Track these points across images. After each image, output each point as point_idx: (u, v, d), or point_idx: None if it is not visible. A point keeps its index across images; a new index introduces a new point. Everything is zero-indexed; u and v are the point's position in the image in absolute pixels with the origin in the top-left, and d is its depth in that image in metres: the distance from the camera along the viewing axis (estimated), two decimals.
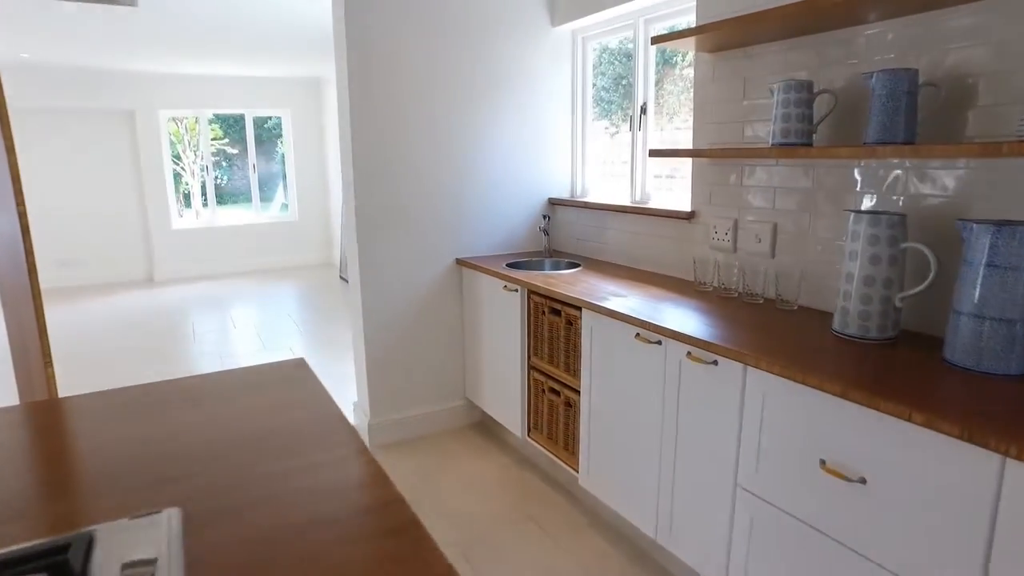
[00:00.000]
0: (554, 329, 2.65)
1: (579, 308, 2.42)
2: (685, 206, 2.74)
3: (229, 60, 6.73)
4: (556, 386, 2.68)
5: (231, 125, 9.13)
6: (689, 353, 1.91)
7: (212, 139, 12.30)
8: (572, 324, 2.52)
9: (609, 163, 3.58)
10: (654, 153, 2.44)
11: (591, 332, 2.37)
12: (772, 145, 2.01)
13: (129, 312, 6.36)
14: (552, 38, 3.37)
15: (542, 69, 3.38)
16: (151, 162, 7.67)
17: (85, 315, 6.26)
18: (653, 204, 2.98)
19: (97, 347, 5.15)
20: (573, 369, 2.55)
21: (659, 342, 2.03)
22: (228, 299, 6.85)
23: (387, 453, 3.18)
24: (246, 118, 8.19)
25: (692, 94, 2.57)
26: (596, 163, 3.54)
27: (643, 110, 3.01)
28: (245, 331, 5.54)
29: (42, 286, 7.55)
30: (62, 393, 4.08)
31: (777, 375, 1.62)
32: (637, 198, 3.10)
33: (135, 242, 7.92)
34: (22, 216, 2.45)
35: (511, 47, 3.27)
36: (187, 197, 10.35)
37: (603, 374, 2.34)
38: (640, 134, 3.04)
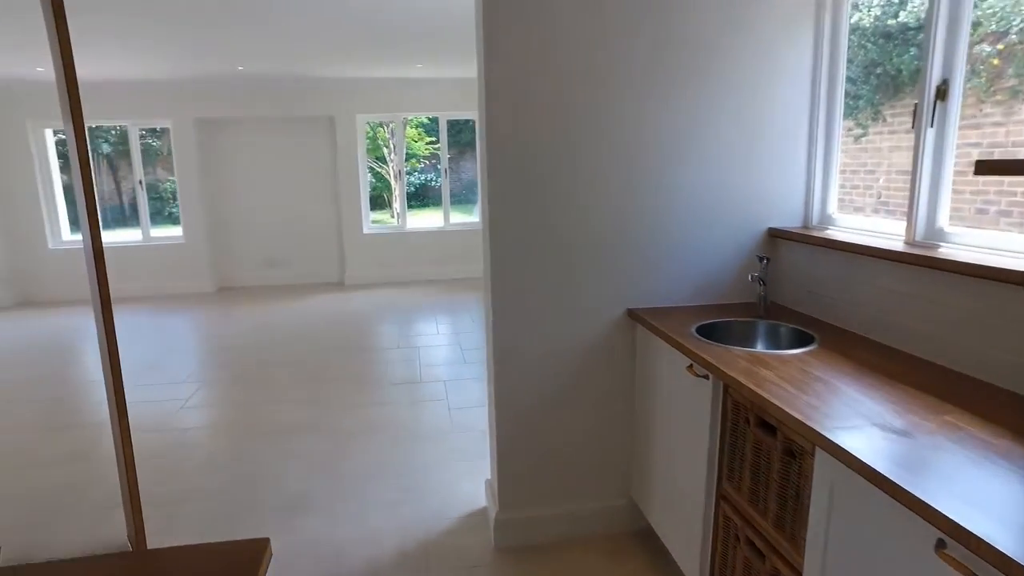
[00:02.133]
0: (763, 452, 1.63)
1: (811, 441, 1.39)
2: (1015, 260, 1.55)
3: (422, 63, 6.44)
4: (759, 542, 1.66)
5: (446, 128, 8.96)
6: None
7: (427, 143, 12.49)
8: (796, 457, 1.48)
9: (853, 172, 2.46)
10: (983, 169, 1.28)
11: (831, 488, 1.33)
12: None
13: (307, 318, 6.32)
14: None
15: (767, 42, 2.32)
16: (347, 166, 7.70)
17: (266, 316, 6.34)
18: (950, 251, 1.80)
19: (256, 355, 5.04)
20: (791, 531, 1.52)
21: None
22: (404, 311, 6.55)
23: (513, 563, 2.37)
24: (439, 121, 7.92)
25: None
26: (844, 179, 2.40)
27: (940, 94, 1.84)
28: (407, 352, 5.11)
29: (249, 284, 7.95)
30: (193, 414, 3.87)
31: None
32: (919, 237, 1.93)
33: (330, 245, 8.05)
34: (95, 238, 2.05)
35: (718, 13, 2.27)
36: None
37: (851, 569, 1.29)
38: (931, 133, 1.87)
